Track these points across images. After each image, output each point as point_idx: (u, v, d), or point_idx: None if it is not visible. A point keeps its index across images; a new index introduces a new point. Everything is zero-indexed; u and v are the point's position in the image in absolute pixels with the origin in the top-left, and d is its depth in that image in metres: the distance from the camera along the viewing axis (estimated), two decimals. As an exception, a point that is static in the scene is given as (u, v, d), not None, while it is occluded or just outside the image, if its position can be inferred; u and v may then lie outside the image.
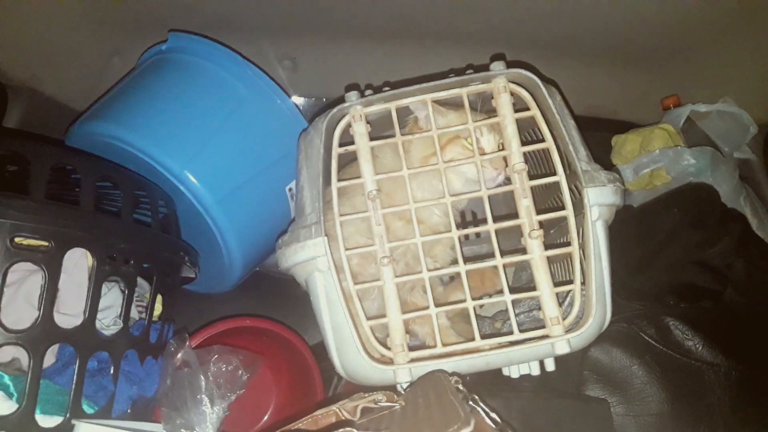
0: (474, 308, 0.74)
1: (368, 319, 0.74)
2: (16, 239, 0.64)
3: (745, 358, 0.85)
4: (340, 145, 0.78)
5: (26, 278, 0.69)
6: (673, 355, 0.85)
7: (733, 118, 1.18)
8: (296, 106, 1.03)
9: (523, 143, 0.76)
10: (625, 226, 0.91)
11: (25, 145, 0.69)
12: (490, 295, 0.91)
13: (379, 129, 0.82)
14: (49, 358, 0.68)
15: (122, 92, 1.01)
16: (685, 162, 1.10)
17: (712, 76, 1.23)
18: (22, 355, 0.67)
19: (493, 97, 0.78)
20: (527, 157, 0.78)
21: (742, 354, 0.85)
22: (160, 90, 0.98)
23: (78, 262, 0.71)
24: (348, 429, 0.49)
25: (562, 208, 0.75)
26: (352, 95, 0.80)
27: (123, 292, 0.77)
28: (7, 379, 0.65)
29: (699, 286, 0.92)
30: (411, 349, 0.73)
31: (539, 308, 0.74)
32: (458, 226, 0.77)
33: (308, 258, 0.75)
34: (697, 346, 0.85)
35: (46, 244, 0.66)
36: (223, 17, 1.13)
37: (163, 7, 1.12)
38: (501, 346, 0.73)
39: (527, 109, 0.77)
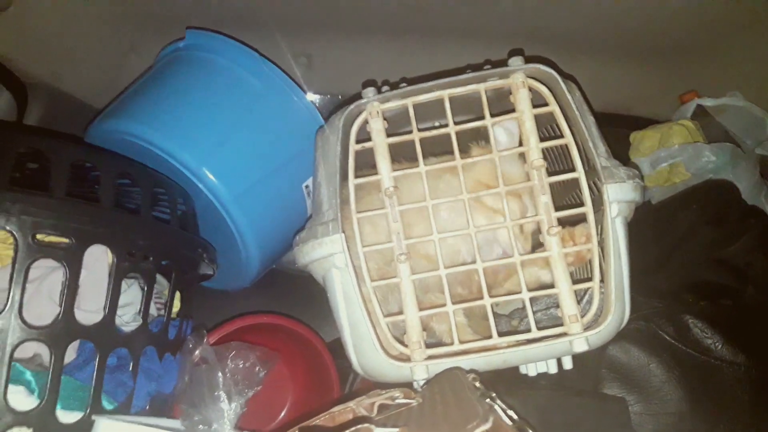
0: (491, 306, 0.73)
1: (385, 316, 0.74)
2: (38, 236, 0.64)
3: (766, 356, 0.84)
4: (358, 141, 0.78)
5: (48, 275, 0.70)
6: (692, 354, 0.84)
7: (751, 113, 1.17)
8: (312, 103, 1.03)
9: (542, 139, 0.76)
10: (644, 223, 0.90)
11: (45, 143, 0.70)
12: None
13: (396, 126, 0.82)
14: (70, 354, 0.69)
15: (140, 90, 1.01)
16: (705, 158, 1.09)
17: (731, 71, 1.22)
18: (43, 351, 0.67)
19: (511, 93, 0.77)
20: (546, 154, 0.78)
21: (763, 353, 0.84)
22: (178, 87, 0.98)
23: (98, 259, 0.72)
24: (366, 425, 0.49)
25: (582, 204, 0.74)
26: (369, 91, 0.80)
27: (142, 288, 0.77)
28: (29, 375, 0.66)
29: (718, 284, 0.91)
30: (428, 346, 0.73)
31: (557, 306, 0.74)
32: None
33: (325, 255, 0.75)
34: (717, 344, 0.84)
35: (66, 240, 0.66)
36: (240, 14, 1.14)
37: (180, 5, 1.13)
38: (518, 343, 0.73)
39: (546, 104, 0.77)
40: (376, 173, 0.77)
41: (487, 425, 0.47)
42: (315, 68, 1.27)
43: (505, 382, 0.80)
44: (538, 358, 0.76)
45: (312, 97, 1.30)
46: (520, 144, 0.77)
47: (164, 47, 1.07)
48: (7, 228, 0.62)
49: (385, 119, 0.79)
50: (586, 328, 0.72)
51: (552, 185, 0.75)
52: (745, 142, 1.16)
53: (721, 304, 0.88)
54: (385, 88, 0.83)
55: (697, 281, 0.91)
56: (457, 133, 0.76)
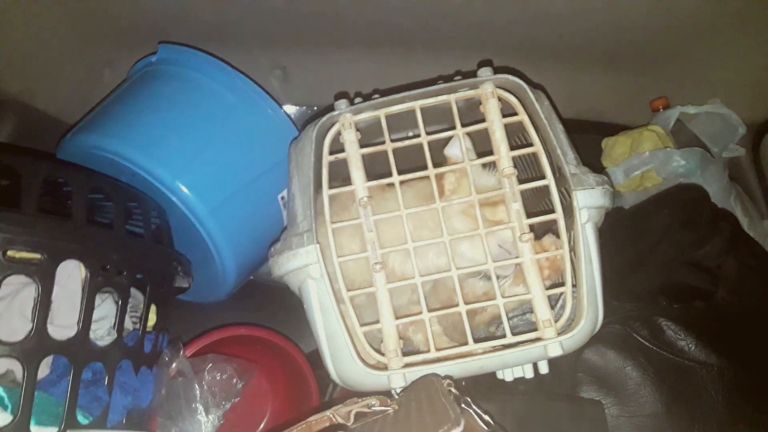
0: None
1: (362, 325, 0.74)
2: (9, 252, 0.64)
3: (738, 357, 0.85)
4: (332, 153, 0.79)
5: (19, 291, 0.69)
6: (666, 356, 0.85)
7: (722, 119, 1.19)
8: (288, 115, 1.03)
9: (512, 148, 0.77)
10: (617, 228, 0.92)
11: (16, 159, 0.69)
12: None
13: (370, 137, 0.82)
14: (44, 370, 0.68)
15: (113, 104, 1.01)
16: (675, 163, 1.11)
17: (700, 77, 1.24)
18: (16, 368, 0.66)
19: (481, 103, 0.79)
20: (516, 162, 0.79)
21: (735, 353, 0.86)
22: (151, 101, 0.98)
23: (71, 274, 0.71)
24: (340, 433, 0.50)
25: (552, 211, 0.75)
26: (341, 103, 0.80)
27: (116, 302, 0.77)
28: (1, 391, 0.65)
29: (691, 286, 0.92)
30: (405, 354, 0.73)
31: (532, 311, 0.75)
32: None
33: (300, 266, 0.75)
34: (690, 346, 0.85)
35: (38, 256, 0.66)
36: (214, 28, 1.14)
37: (153, 19, 1.12)
38: (494, 349, 0.73)
39: (515, 114, 0.78)
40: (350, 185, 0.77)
41: (459, 428, 0.47)
42: (290, 80, 1.28)
43: (482, 388, 0.81)
44: (515, 363, 0.76)
45: (288, 108, 1.30)
46: (491, 153, 0.78)
47: (136, 62, 1.07)
48: (-23, 244, 0.62)
49: (358, 130, 0.79)
50: (560, 332, 0.73)
51: (523, 193, 0.76)
52: (714, 147, 1.18)
53: (694, 306, 0.90)
54: (357, 99, 0.84)
55: (670, 284, 0.93)
56: (430, 143, 0.77)
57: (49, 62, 1.14)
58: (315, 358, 0.89)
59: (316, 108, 1.31)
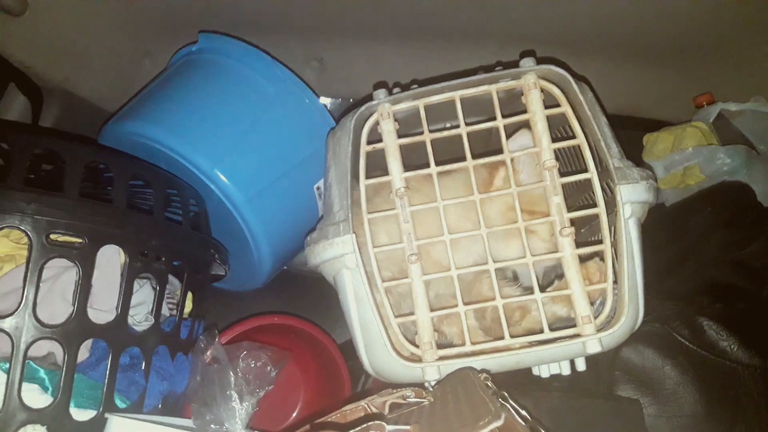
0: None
1: (396, 316, 0.74)
2: (52, 236, 0.65)
3: (783, 359, 0.83)
4: (370, 143, 0.78)
5: (61, 274, 0.70)
6: (707, 356, 0.83)
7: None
8: (324, 106, 1.03)
9: (554, 140, 0.75)
10: (658, 226, 0.90)
11: (60, 144, 0.71)
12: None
13: (408, 127, 0.81)
14: (83, 353, 0.69)
15: (153, 92, 1.02)
16: (720, 161, 1.08)
17: (746, 73, 1.21)
18: (57, 350, 0.68)
19: (522, 94, 0.77)
20: (558, 155, 0.77)
21: (780, 355, 0.83)
22: (191, 90, 0.99)
23: (111, 259, 0.72)
24: (378, 422, 0.49)
25: (594, 205, 0.73)
26: (380, 93, 0.80)
27: (154, 288, 0.78)
28: (42, 373, 0.66)
29: (734, 285, 0.90)
30: (439, 347, 0.73)
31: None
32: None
33: (336, 255, 0.75)
34: (732, 346, 0.83)
35: (80, 240, 0.67)
36: (253, 18, 1.15)
37: (193, 9, 1.14)
38: (531, 344, 0.72)
39: (558, 105, 0.76)
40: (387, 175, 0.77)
41: (500, 422, 0.47)
42: (327, 71, 1.28)
43: (517, 383, 0.79)
44: (551, 360, 0.75)
45: (324, 100, 1.30)
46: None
47: (177, 51, 1.08)
48: (22, 228, 0.63)
49: (396, 121, 0.79)
50: (600, 329, 0.71)
51: (565, 187, 0.75)
52: (760, 144, 1.14)
53: (737, 306, 0.87)
54: (396, 89, 0.83)
55: (712, 283, 0.90)
56: (469, 135, 0.76)
57: (91, 52, 1.16)
58: (348, 349, 0.89)
59: (352, 100, 1.30)
